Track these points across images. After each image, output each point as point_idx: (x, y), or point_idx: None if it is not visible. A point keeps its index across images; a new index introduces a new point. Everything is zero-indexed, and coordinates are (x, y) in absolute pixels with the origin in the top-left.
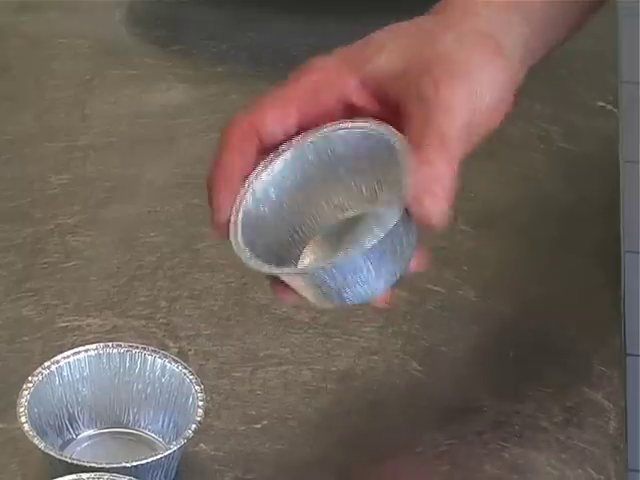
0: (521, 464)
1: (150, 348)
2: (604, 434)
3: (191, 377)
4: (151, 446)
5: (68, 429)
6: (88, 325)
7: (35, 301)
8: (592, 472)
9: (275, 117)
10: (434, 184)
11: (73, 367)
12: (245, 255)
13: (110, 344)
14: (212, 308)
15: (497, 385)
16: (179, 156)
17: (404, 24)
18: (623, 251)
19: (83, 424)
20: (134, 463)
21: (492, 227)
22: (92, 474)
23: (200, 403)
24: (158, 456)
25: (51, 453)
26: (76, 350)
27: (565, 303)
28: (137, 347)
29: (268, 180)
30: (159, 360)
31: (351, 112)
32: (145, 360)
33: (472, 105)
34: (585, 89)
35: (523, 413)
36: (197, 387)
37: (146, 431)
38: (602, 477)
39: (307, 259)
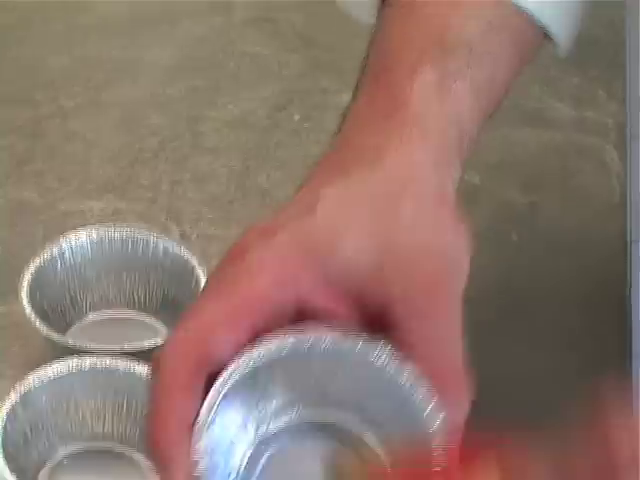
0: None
1: (152, 231)
2: None
3: (194, 261)
4: (154, 330)
5: (70, 312)
6: (90, 208)
7: (36, 184)
8: None
9: (228, 338)
10: (456, 432)
11: (75, 250)
12: None
13: (112, 227)
14: (214, 192)
15: (501, 271)
16: (181, 38)
17: (347, 187)
18: (629, 135)
19: (85, 307)
20: (136, 346)
21: (496, 112)
22: (94, 357)
23: (203, 287)
24: (161, 339)
25: (53, 337)
26: (78, 233)
27: (569, 187)
28: (139, 230)
29: (218, 423)
30: (161, 243)
31: (310, 314)
32: (147, 243)
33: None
34: None
35: (527, 303)
36: (200, 271)
37: (148, 315)
38: None
39: None
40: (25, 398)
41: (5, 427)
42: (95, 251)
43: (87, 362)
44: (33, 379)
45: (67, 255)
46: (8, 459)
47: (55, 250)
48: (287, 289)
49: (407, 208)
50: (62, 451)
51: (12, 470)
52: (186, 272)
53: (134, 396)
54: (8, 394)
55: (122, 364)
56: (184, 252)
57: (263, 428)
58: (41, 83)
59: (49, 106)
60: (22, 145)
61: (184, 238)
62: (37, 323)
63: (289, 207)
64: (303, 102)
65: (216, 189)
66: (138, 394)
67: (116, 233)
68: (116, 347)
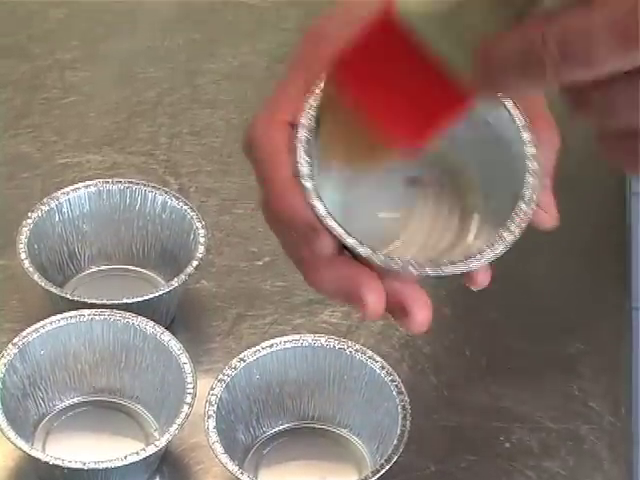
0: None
1: (150, 184)
2: None
3: (192, 214)
4: (152, 283)
5: (69, 266)
6: (87, 161)
7: (34, 137)
8: None
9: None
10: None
11: (73, 203)
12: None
13: (110, 180)
14: (213, 145)
15: None
16: None
17: None
18: None
19: (83, 261)
20: (135, 299)
21: None
22: (93, 310)
23: (201, 240)
24: (159, 292)
25: (52, 290)
26: (76, 186)
27: None
28: (137, 183)
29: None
30: (160, 197)
31: None
32: (145, 197)
33: None
34: None
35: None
36: (198, 224)
37: (147, 268)
38: None
39: None
40: (23, 351)
41: (3, 381)
42: (93, 204)
43: (86, 315)
44: (31, 331)
45: (65, 208)
46: (6, 413)
47: (53, 203)
48: None
49: None
50: (61, 404)
51: (11, 424)
52: (184, 225)
53: (133, 349)
54: (6, 347)
55: (121, 317)
56: (182, 205)
57: None
58: (38, 36)
59: (46, 59)
60: (19, 98)
61: (182, 191)
62: (36, 276)
63: None
64: None
65: (214, 142)
66: (137, 347)
67: (114, 186)
68: (115, 300)
